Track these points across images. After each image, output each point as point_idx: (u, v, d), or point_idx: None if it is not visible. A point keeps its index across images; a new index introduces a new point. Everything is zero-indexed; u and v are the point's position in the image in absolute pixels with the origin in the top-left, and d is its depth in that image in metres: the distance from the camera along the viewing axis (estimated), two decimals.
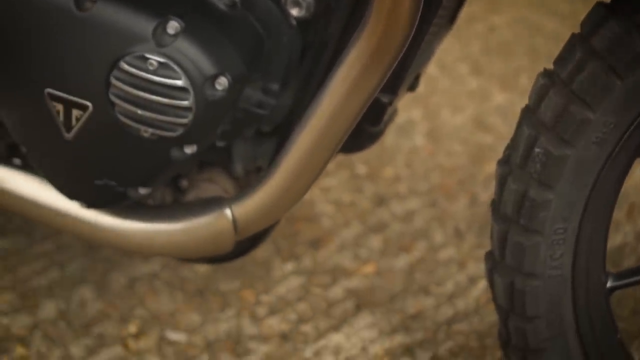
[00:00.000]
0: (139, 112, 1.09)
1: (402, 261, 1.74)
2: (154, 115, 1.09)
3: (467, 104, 2.13)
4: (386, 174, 1.93)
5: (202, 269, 1.70)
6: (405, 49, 1.02)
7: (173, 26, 1.06)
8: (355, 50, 1.02)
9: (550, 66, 1.18)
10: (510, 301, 1.22)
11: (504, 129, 2.07)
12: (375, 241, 1.78)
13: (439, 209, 1.86)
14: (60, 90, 1.12)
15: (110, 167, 1.17)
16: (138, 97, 1.08)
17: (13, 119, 1.19)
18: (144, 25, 1.07)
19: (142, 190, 1.19)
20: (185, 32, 1.07)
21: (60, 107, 1.13)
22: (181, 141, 1.12)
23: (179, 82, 1.07)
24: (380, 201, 1.87)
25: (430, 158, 1.98)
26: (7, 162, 1.33)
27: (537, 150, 1.14)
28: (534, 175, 1.14)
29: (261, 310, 1.64)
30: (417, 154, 1.98)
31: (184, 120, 1.09)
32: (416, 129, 2.06)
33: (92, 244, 1.71)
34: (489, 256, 1.25)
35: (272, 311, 1.64)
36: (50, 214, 1.29)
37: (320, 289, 1.68)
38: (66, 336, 1.57)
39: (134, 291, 1.65)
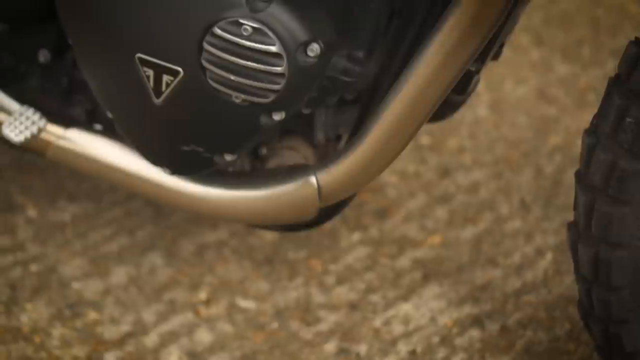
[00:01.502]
0: (232, 77, 1.08)
1: (468, 232, 1.74)
2: (246, 81, 1.09)
3: (530, 75, 2.11)
4: (450, 145, 1.92)
5: (270, 237, 1.71)
6: (504, 16, 1.01)
7: None
8: (454, 17, 1.01)
9: (614, 38, 1.16)
10: (594, 272, 1.21)
11: (567, 101, 2.05)
12: (441, 212, 1.78)
13: (504, 180, 1.85)
14: (151, 56, 1.12)
15: (198, 133, 1.17)
16: (231, 62, 1.08)
17: (101, 84, 1.20)
18: None
19: (228, 157, 1.20)
20: None
21: (150, 72, 1.13)
22: (271, 108, 1.12)
23: (272, 48, 1.06)
24: (445, 172, 1.86)
25: (494, 129, 1.97)
26: (88, 127, 1.34)
27: (628, 120, 1.13)
28: (624, 145, 1.13)
29: (329, 280, 1.64)
30: (481, 125, 1.97)
31: (276, 87, 1.09)
32: (479, 100, 2.04)
33: (174, 210, 1.72)
34: (572, 226, 1.24)
35: (340, 280, 1.64)
36: (132, 179, 1.30)
37: (387, 259, 1.68)
38: (138, 302, 1.58)
39: (203, 258, 1.66)
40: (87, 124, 1.35)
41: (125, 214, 1.74)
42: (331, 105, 1.28)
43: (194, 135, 1.17)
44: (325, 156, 1.33)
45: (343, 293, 1.62)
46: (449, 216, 1.77)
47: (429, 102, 1.09)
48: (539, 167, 1.88)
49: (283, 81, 1.08)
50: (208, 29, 1.07)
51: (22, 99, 1.34)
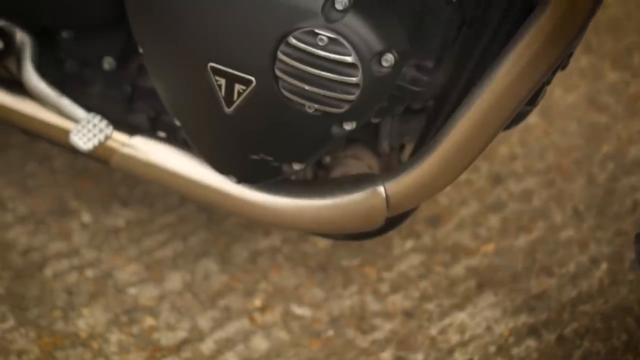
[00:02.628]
0: (306, 87, 1.08)
1: (522, 241, 1.73)
2: (320, 91, 1.08)
3: (579, 82, 2.09)
4: (501, 153, 1.91)
5: (322, 244, 1.71)
6: (585, 28, 1.00)
7: (341, 2, 1.05)
8: (537, 25, 1.00)
9: None
10: None
11: (618, 109, 2.03)
12: (494, 220, 1.77)
13: (556, 188, 1.84)
14: (223, 65, 1.12)
15: (268, 142, 1.17)
16: (305, 72, 1.08)
17: (171, 92, 1.20)
18: (313, 0, 1.06)
19: (297, 166, 1.19)
20: (353, 7, 1.06)
21: (222, 81, 1.13)
22: (343, 118, 1.11)
23: (348, 58, 1.06)
24: (497, 180, 1.85)
25: (545, 137, 1.95)
26: (152, 134, 1.34)
27: None
28: None
29: (383, 287, 1.64)
30: (531, 133, 1.96)
31: (351, 97, 1.08)
32: None
33: (226, 216, 1.72)
34: None
35: (395, 288, 1.64)
36: (196, 187, 1.30)
37: (441, 267, 1.68)
38: (193, 308, 1.58)
39: (256, 265, 1.66)
40: (150, 131, 1.35)
41: (178, 220, 1.74)
42: (397, 114, 1.27)
43: (264, 145, 1.17)
44: (389, 165, 1.33)
45: (398, 301, 1.61)
46: (501, 224, 1.76)
47: (504, 114, 1.09)
48: (591, 175, 1.86)
49: (357, 91, 1.08)
50: (283, 39, 1.07)
51: (85, 106, 1.35)
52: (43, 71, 1.34)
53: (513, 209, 1.79)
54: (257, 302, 1.60)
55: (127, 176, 1.80)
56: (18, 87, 1.41)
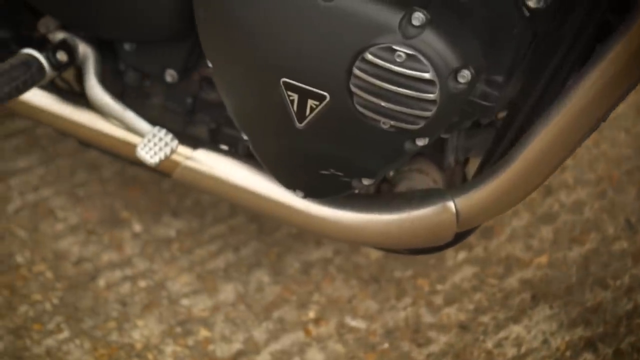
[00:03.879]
0: (382, 104, 1.07)
1: (575, 253, 1.71)
2: (396, 108, 1.07)
3: None
4: None
5: (374, 255, 1.70)
6: None
7: (418, 17, 1.04)
8: (620, 45, 0.99)
9: None
10: None
11: None
12: (546, 231, 1.75)
13: (608, 199, 1.82)
14: (297, 80, 1.11)
15: (339, 158, 1.16)
16: (382, 88, 1.07)
17: (240, 106, 1.19)
18: (390, 16, 1.05)
19: (366, 182, 1.18)
20: (430, 23, 1.05)
21: (295, 96, 1.12)
22: (417, 134, 1.10)
23: (426, 75, 1.05)
24: (548, 191, 1.84)
25: (594, 147, 1.94)
26: (215, 147, 1.34)
27: None
28: None
29: (437, 300, 1.63)
30: None
31: (427, 114, 1.07)
32: None
33: (277, 227, 1.72)
34: None
35: (449, 301, 1.63)
36: (260, 200, 1.29)
37: (494, 279, 1.66)
38: (247, 319, 1.58)
39: (309, 276, 1.66)
40: (212, 144, 1.35)
41: (229, 230, 1.73)
42: (463, 129, 1.26)
43: (335, 160, 1.16)
44: (453, 179, 1.32)
45: (452, 313, 1.60)
46: (554, 236, 1.75)
47: (583, 131, 1.08)
48: None
49: (434, 108, 1.07)
50: (359, 55, 1.06)
51: (145, 118, 1.34)
52: (103, 83, 1.34)
53: (565, 220, 1.78)
54: (311, 314, 1.59)
55: (177, 186, 1.80)
56: (75, 97, 1.41)
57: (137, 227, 1.73)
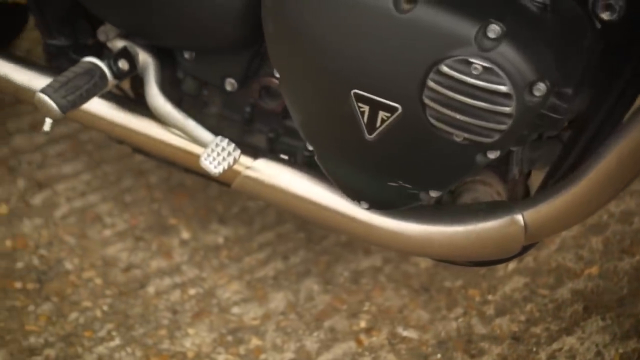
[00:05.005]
0: (456, 116, 1.06)
1: (625, 264, 1.70)
2: (471, 120, 1.06)
3: None
4: None
5: (424, 264, 1.69)
6: None
7: (494, 30, 1.03)
8: None
9: None
10: None
11: None
12: (596, 242, 1.74)
13: None
14: (368, 92, 1.10)
15: (409, 170, 1.15)
16: (456, 101, 1.05)
17: (308, 117, 1.18)
18: (466, 28, 1.04)
19: (434, 194, 1.17)
20: (507, 36, 1.04)
21: (365, 108, 1.11)
22: (489, 146, 1.09)
23: (503, 88, 1.04)
24: None
25: None
26: (275, 157, 1.33)
27: None
28: None
29: (489, 310, 1.61)
30: None
31: (502, 127, 1.06)
32: None
33: (325, 234, 1.71)
34: None
35: (500, 311, 1.61)
36: (321, 211, 1.28)
37: (545, 289, 1.65)
38: (299, 329, 1.57)
39: (359, 285, 1.65)
40: (271, 153, 1.34)
41: (277, 238, 1.73)
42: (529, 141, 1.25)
43: (404, 172, 1.15)
44: (515, 191, 1.31)
45: (504, 324, 1.59)
46: (604, 246, 1.73)
47: None
48: None
49: (509, 121, 1.05)
50: (433, 67, 1.05)
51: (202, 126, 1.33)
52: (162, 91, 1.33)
53: (615, 230, 1.76)
54: (363, 323, 1.59)
55: (223, 192, 1.80)
56: (130, 104, 1.41)
57: (185, 234, 1.72)
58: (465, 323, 1.59)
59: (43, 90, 1.22)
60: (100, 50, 1.45)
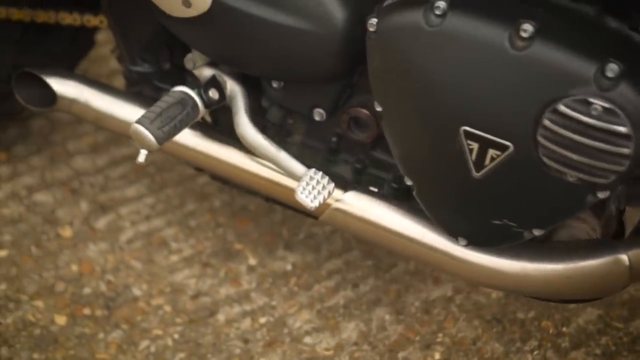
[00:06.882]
0: (572, 156, 1.04)
1: None
2: (587, 161, 1.04)
3: None
4: None
5: (495, 294, 1.66)
6: None
7: (613, 69, 1.01)
8: None
9: None
10: None
11: None
12: None
13: None
14: (479, 129, 1.08)
15: (515, 208, 1.13)
16: (573, 140, 1.03)
17: (410, 151, 1.16)
18: (584, 67, 1.02)
19: (537, 232, 1.15)
20: (625, 75, 1.02)
21: (475, 145, 1.09)
22: (601, 187, 1.07)
23: (622, 129, 1.02)
24: None
25: None
26: (364, 189, 1.31)
27: None
28: None
29: (563, 343, 1.59)
30: None
31: (620, 168, 1.04)
32: None
33: (394, 262, 1.68)
34: None
35: (575, 344, 1.59)
36: (413, 245, 1.26)
37: (619, 322, 1.62)
38: None
39: (430, 315, 1.62)
40: (357, 185, 1.32)
41: (345, 265, 1.70)
42: None
43: (510, 210, 1.13)
44: (609, 228, 1.28)
45: (580, 357, 1.56)
46: None
47: None
48: None
49: (627, 162, 1.03)
50: (549, 105, 1.03)
51: None
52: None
53: None
54: (437, 355, 1.56)
55: (288, 217, 1.77)
56: (212, 131, 1.39)
57: (252, 260, 1.70)
58: (541, 356, 1.57)
59: (139, 122, 1.20)
60: (179, 77, 1.43)
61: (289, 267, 1.69)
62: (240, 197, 1.81)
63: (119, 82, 1.95)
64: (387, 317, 1.62)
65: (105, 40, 1.95)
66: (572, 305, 1.65)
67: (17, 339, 1.54)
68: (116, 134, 1.79)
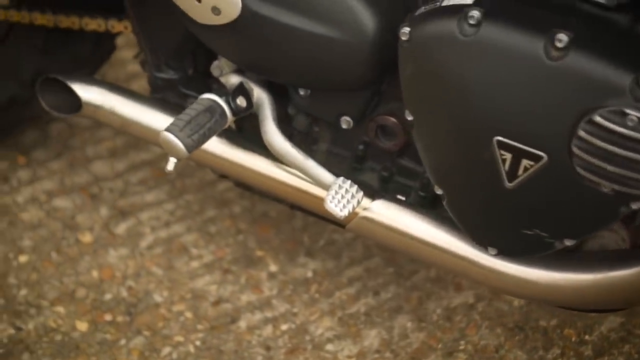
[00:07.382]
0: (607, 167, 1.04)
1: None
2: (623, 172, 1.04)
3: None
4: None
5: (517, 302, 1.66)
6: None
7: None
8: None
9: None
10: None
11: None
12: None
13: None
14: (512, 139, 1.08)
15: (548, 219, 1.13)
16: (608, 151, 1.03)
17: (441, 161, 1.16)
18: (620, 78, 1.01)
19: (568, 242, 1.15)
20: None
21: (508, 155, 1.09)
22: (637, 198, 1.07)
23: None
24: None
25: None
26: (392, 197, 1.30)
27: None
28: None
29: (586, 351, 1.58)
30: None
31: None
32: None
33: (415, 269, 1.68)
34: None
35: (598, 352, 1.58)
36: (442, 254, 1.26)
37: None
38: None
39: (452, 323, 1.62)
40: (386, 194, 1.31)
41: (366, 272, 1.70)
42: None
43: (542, 221, 1.13)
44: (638, 237, 1.28)
45: None
46: None
47: None
48: None
49: None
50: (585, 116, 1.03)
51: None
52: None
53: None
54: None
55: (308, 224, 1.77)
56: (237, 138, 1.38)
57: (273, 267, 1.69)
58: None
59: (169, 130, 1.19)
60: (203, 83, 1.43)
61: (309, 274, 1.69)
62: (261, 203, 1.80)
63: (137, 85, 1.95)
64: (409, 324, 1.61)
65: (123, 43, 1.95)
66: (593, 314, 1.65)
67: (39, 345, 1.54)
68: (135, 139, 1.80)
